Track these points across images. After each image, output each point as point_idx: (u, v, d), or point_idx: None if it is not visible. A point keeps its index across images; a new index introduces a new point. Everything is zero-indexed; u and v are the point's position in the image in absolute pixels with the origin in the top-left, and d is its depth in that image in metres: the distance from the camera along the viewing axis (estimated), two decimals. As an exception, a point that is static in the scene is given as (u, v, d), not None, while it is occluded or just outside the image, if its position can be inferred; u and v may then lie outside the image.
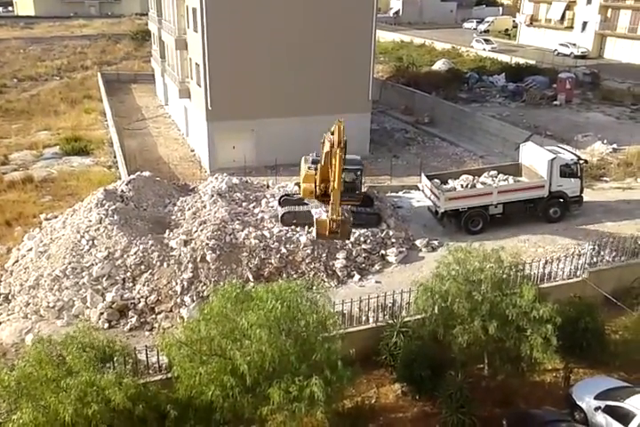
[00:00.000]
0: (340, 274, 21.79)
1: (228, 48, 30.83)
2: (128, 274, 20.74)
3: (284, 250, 21.91)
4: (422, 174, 26.24)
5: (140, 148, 36.63)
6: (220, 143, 32.42)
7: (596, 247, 20.95)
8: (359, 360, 14.37)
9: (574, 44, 66.73)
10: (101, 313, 19.45)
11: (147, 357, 14.80)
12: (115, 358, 12.88)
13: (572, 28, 70.57)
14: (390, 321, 17.13)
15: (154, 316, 19.63)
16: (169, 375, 13.68)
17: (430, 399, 15.36)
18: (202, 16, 30.36)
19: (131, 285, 20.50)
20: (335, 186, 18.84)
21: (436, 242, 23.72)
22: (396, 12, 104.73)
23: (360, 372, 14.28)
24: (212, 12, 30.20)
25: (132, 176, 26.78)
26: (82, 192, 28.01)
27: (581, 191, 25.29)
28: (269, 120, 32.02)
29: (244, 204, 24.99)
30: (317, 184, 22.09)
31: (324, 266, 21.89)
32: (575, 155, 26.18)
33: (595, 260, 20.60)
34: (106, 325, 19.14)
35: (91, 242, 21.76)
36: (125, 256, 21.12)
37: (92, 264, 20.90)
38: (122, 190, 25.06)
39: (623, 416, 13.92)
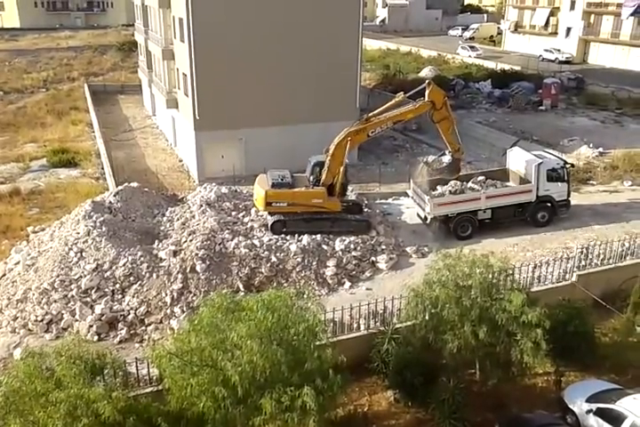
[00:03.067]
0: (330, 282, 21.78)
1: (215, 58, 30.89)
2: (117, 286, 20.62)
3: (274, 259, 21.89)
4: (411, 181, 26.36)
5: (127, 159, 36.53)
6: (208, 153, 32.40)
7: (585, 250, 21.10)
8: (351, 368, 14.32)
9: (559, 50, 67.57)
10: (90, 326, 19.30)
11: (137, 369, 14.69)
12: (105, 371, 12.75)
13: (556, 33, 71.48)
14: (381, 328, 17.12)
15: (144, 327, 19.50)
16: (160, 387, 13.57)
17: (423, 406, 15.32)
18: (188, 26, 30.44)
19: (120, 296, 20.37)
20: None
21: (425, 248, 23.79)
22: (383, 21, 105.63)
23: (352, 380, 14.25)
24: (199, 22, 30.27)
25: (119, 187, 26.68)
26: (69, 204, 27.85)
27: (568, 195, 25.50)
28: (257, 129, 32.05)
29: (233, 213, 24.95)
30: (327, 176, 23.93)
31: (315, 274, 21.88)
32: (562, 159, 26.43)
33: (583, 263, 20.73)
34: (95, 337, 18.99)
35: (79, 254, 21.62)
36: (114, 268, 21.00)
37: (81, 277, 20.75)
38: (110, 202, 24.96)
39: (614, 418, 13.98)
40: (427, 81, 24.47)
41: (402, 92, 24.49)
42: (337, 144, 23.75)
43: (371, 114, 24.50)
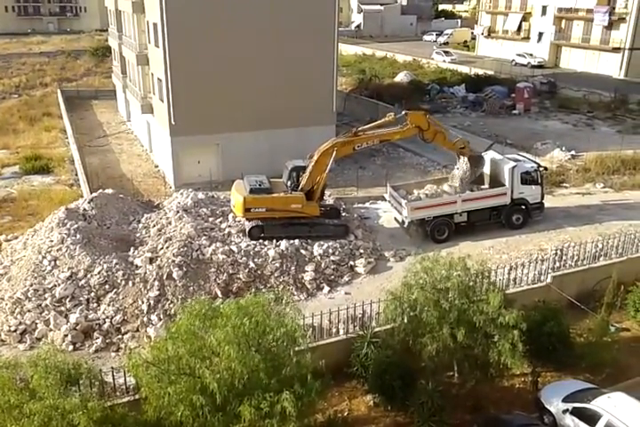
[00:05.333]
0: (309, 286, 21.76)
1: (190, 63, 30.73)
2: (92, 294, 20.31)
3: (252, 264, 21.80)
4: (388, 185, 26.51)
5: (102, 165, 36.11)
6: (184, 158, 32.19)
7: (559, 252, 21.41)
8: (331, 373, 14.34)
9: (531, 55, 68.68)
10: (65, 335, 18.96)
11: (113, 378, 14.50)
12: (80, 381, 12.56)
13: (528, 38, 72.66)
14: (360, 332, 17.14)
15: (120, 336, 19.22)
16: (137, 397, 13.42)
17: (402, 409, 15.36)
18: (162, 31, 30.23)
19: (95, 305, 20.08)
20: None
21: (403, 252, 23.91)
22: (358, 26, 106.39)
23: (331, 384, 14.27)
24: (173, 26, 30.10)
25: (94, 194, 26.35)
26: (43, 212, 27.39)
27: (542, 198, 25.87)
28: (234, 134, 31.94)
29: (210, 219, 24.79)
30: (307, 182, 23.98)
31: (294, 279, 21.83)
32: (535, 162, 26.79)
33: (558, 264, 21.04)
34: (70, 347, 18.65)
35: (53, 262, 21.28)
36: (89, 276, 20.70)
37: (55, 285, 20.41)
38: (84, 209, 24.63)
39: (590, 417, 14.16)
40: (403, 112, 25.09)
41: (392, 113, 25.17)
42: (322, 152, 23.82)
43: (360, 128, 25.06)
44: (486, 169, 26.45)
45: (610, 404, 14.13)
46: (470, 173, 25.39)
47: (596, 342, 17.26)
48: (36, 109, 51.02)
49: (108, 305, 19.95)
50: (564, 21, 68.01)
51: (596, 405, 14.24)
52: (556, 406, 14.99)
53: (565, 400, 14.91)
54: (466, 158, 25.30)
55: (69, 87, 59.01)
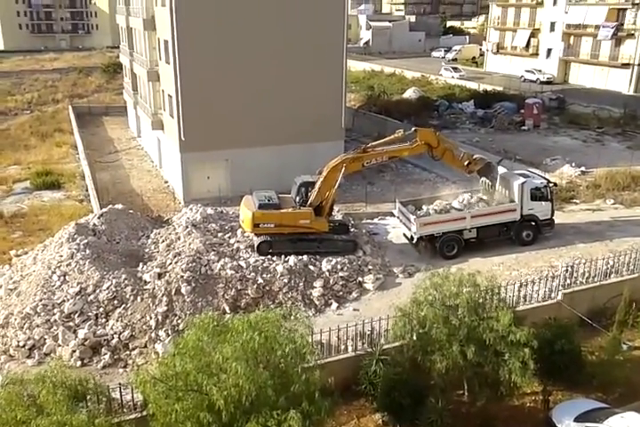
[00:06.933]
0: (317, 303, 21.66)
1: (201, 79, 31.04)
2: (101, 310, 20.31)
3: (260, 280, 21.75)
4: (397, 201, 26.48)
5: (112, 180, 36.36)
6: (193, 174, 32.36)
7: (570, 269, 21.21)
8: (339, 390, 14.20)
9: (540, 71, 68.84)
10: (73, 351, 18.94)
11: (120, 395, 14.43)
12: (88, 397, 12.53)
13: (537, 54, 72.92)
14: (369, 349, 17.00)
15: (128, 352, 19.17)
16: (144, 413, 13.32)
17: (411, 428, 15.16)
18: (173, 48, 30.63)
19: (104, 320, 20.06)
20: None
21: (412, 268, 23.79)
22: (366, 42, 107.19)
23: (340, 402, 14.11)
24: (184, 43, 30.48)
25: (104, 209, 26.50)
26: (53, 227, 27.57)
27: (552, 214, 25.71)
28: (243, 150, 32.11)
29: (219, 234, 24.81)
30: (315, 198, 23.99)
31: (302, 295, 21.75)
32: (545, 178, 26.72)
33: (568, 281, 20.83)
34: (78, 363, 18.63)
35: (62, 278, 21.34)
36: (98, 291, 20.72)
37: (64, 300, 20.45)
38: (94, 224, 24.76)
39: (603, 438, 13.93)
40: (412, 128, 25.29)
41: (401, 130, 25.26)
42: (331, 168, 23.90)
43: (369, 145, 25.17)
44: (496, 185, 26.39)
45: (623, 424, 13.90)
46: (491, 184, 25.96)
47: (608, 360, 17.05)
48: (48, 125, 51.63)
49: (117, 321, 19.94)
50: (572, 37, 68.26)
51: (609, 425, 14.01)
52: (567, 425, 14.75)
53: (577, 420, 14.67)
54: (476, 174, 25.40)
55: (81, 103, 59.75)
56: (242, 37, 31.16)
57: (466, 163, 25.40)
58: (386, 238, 26.61)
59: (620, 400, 16.14)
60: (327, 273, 22.63)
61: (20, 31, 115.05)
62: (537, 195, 25.17)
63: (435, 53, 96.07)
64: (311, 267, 22.79)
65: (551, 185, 25.85)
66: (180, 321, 19.83)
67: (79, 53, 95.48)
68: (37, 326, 19.77)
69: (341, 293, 22.26)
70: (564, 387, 16.81)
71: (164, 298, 20.45)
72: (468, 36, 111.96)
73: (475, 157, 26.09)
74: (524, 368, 14.00)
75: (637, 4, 59.94)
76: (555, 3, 69.44)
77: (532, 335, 14.17)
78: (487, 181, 26.26)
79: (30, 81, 71.20)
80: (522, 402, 16.50)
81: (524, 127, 46.89)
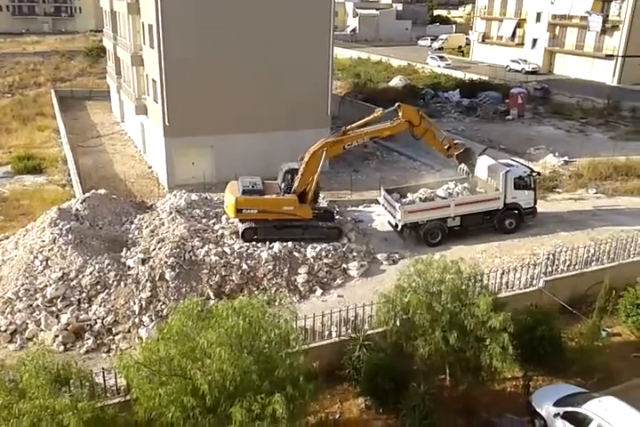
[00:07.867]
0: (302, 289, 21.73)
1: (185, 64, 30.69)
2: (84, 295, 20.22)
3: (245, 266, 21.75)
4: (382, 188, 26.54)
5: (95, 165, 35.97)
6: (178, 159, 32.11)
7: (551, 257, 21.46)
8: (323, 375, 14.31)
9: (525, 61, 69.05)
10: (56, 336, 18.85)
11: (104, 379, 14.40)
12: (71, 382, 12.47)
13: (522, 44, 73.08)
14: (353, 335, 17.11)
15: (111, 337, 19.13)
16: (127, 398, 13.32)
17: (394, 412, 15.32)
18: (158, 32, 30.22)
19: (86, 306, 19.97)
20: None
21: (396, 255, 23.93)
22: (353, 30, 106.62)
23: (323, 387, 14.22)
24: (168, 28, 30.08)
25: (86, 194, 26.24)
26: (35, 212, 27.25)
27: (535, 203, 25.94)
28: (228, 136, 31.90)
29: (203, 220, 24.74)
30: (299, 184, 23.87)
31: (286, 281, 21.80)
32: (528, 167, 26.90)
33: (550, 269, 21.07)
34: (61, 347, 18.55)
35: (44, 263, 21.16)
36: (80, 276, 20.60)
37: (46, 285, 20.30)
38: (76, 209, 24.52)
39: (581, 421, 14.19)
40: (396, 104, 24.79)
41: (380, 108, 24.81)
42: (312, 153, 23.82)
43: (348, 127, 24.73)
44: (480, 173, 26.55)
45: (600, 408, 14.17)
46: (468, 169, 26.03)
47: (588, 346, 17.32)
48: (30, 109, 50.78)
49: (100, 306, 19.85)
50: (558, 28, 68.46)
51: (587, 409, 14.27)
52: (547, 409, 15.00)
53: (556, 404, 14.93)
54: (452, 157, 25.55)
55: (63, 87, 58.81)
56: (227, 23, 30.81)
57: (446, 147, 25.44)
58: (370, 226, 26.70)
59: (598, 385, 16.42)
60: (312, 260, 22.68)
61: (1, 13, 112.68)
62: (520, 184, 25.35)
63: (421, 42, 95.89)
64: (296, 253, 22.83)
65: (534, 174, 26.05)
66: (163, 307, 19.81)
67: (62, 37, 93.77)
68: (19, 310, 19.63)
69: (326, 279, 22.34)
70: (544, 372, 17.06)
71: (148, 284, 20.39)
72: (454, 26, 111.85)
73: (455, 141, 26.16)
74: (504, 353, 14.18)
75: (622, -5, 60.20)
76: (541, -7, 69.54)
77: (509, 321, 14.31)
78: (465, 167, 26.32)
79: (11, 64, 69.78)
80: (503, 387, 16.74)
81: (508, 117, 47.09)
